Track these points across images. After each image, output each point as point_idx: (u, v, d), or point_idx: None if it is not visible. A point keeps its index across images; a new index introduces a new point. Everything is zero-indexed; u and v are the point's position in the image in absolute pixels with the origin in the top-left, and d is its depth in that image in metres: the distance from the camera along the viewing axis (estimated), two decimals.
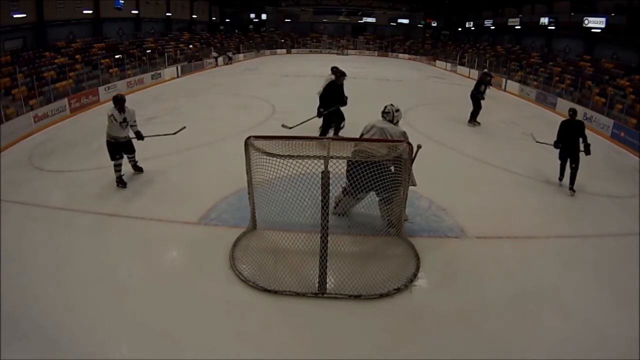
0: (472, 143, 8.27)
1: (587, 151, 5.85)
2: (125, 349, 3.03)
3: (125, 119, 5.55)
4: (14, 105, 9.85)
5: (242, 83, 16.04)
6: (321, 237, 3.46)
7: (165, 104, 11.50)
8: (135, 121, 5.76)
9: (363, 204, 4.94)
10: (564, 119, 6.28)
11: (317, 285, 3.55)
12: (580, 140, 5.86)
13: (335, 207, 4.56)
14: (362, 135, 4.56)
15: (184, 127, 6.89)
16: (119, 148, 5.64)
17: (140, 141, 5.92)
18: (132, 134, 5.82)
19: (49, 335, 3.07)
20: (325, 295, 3.53)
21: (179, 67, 18.49)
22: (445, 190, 5.68)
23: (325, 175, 3.43)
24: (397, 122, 4.58)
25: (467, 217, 4.97)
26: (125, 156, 5.79)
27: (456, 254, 4.29)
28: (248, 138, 3.90)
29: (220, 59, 22.90)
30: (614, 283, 3.91)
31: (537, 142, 7.27)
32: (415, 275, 3.82)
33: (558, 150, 6.10)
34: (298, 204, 3.85)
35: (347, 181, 4.22)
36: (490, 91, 10.48)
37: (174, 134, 6.62)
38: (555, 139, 6.10)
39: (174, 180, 5.96)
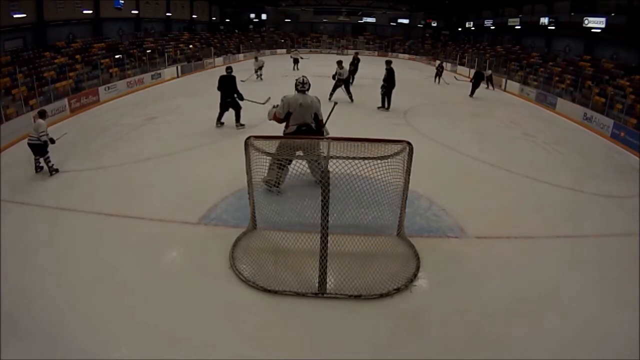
0: (472, 143, 8.27)
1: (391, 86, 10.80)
2: (126, 349, 3.02)
3: None
4: (14, 105, 9.85)
5: (241, 83, 15.99)
6: (321, 237, 3.46)
7: (165, 104, 11.50)
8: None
9: (363, 204, 4.94)
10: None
11: (317, 285, 3.55)
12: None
13: (277, 185, 4.62)
14: (287, 112, 5.03)
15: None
16: None
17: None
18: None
19: (49, 335, 3.07)
20: (325, 295, 3.53)
21: (179, 67, 18.47)
22: (445, 190, 5.67)
23: (325, 175, 3.43)
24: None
25: (467, 217, 4.96)
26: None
27: (456, 254, 4.29)
28: (248, 138, 3.90)
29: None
30: (614, 283, 3.91)
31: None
32: (415, 275, 3.82)
33: (384, 91, 10.76)
34: (298, 204, 3.85)
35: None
36: (491, 91, 10.85)
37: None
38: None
39: (174, 181, 5.95)
